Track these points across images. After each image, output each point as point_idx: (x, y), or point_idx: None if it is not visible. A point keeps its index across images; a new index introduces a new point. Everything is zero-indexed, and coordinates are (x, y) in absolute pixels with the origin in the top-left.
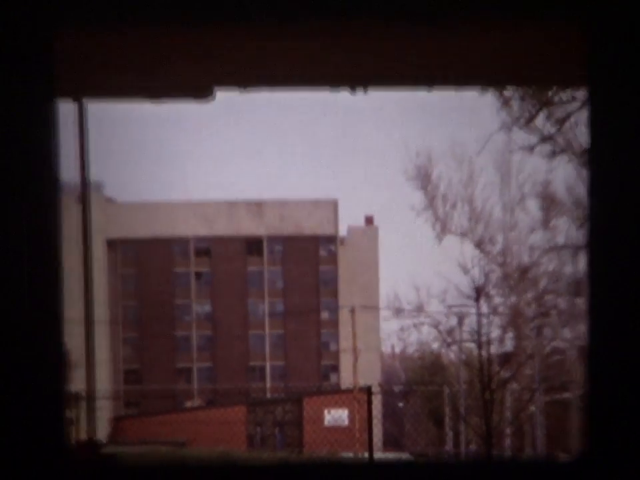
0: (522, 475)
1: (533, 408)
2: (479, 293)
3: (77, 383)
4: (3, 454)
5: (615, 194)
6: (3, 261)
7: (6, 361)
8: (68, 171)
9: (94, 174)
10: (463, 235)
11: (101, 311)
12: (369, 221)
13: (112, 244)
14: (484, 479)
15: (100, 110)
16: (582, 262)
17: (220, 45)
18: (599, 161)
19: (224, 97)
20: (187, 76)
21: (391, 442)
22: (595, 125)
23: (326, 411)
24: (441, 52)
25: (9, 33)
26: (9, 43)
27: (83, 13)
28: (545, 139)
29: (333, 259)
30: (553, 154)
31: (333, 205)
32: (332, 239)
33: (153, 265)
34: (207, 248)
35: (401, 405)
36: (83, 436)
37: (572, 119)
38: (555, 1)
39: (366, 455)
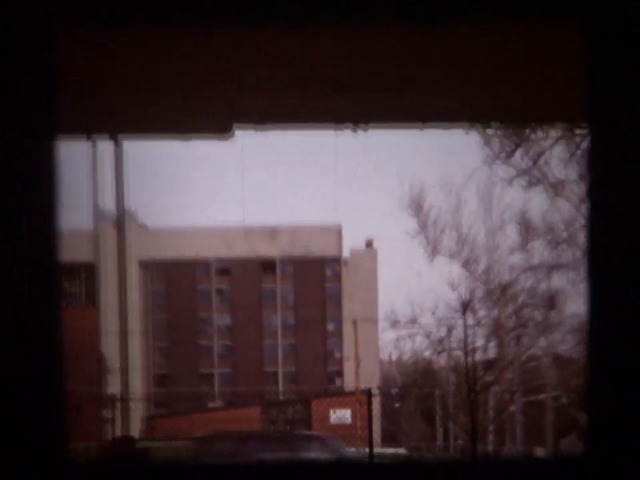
0: (522, 474)
1: (512, 407)
2: (465, 307)
3: (113, 387)
4: (3, 454)
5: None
6: (3, 261)
7: (6, 361)
8: (106, 200)
9: (129, 203)
10: (451, 256)
11: (135, 323)
12: (369, 244)
13: (144, 264)
14: (484, 478)
15: (135, 148)
16: (555, 279)
17: (238, 86)
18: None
19: (242, 135)
20: (209, 115)
21: (388, 438)
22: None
23: (331, 411)
24: (435, 89)
25: (8, 33)
26: (8, 43)
27: (82, 12)
28: (522, 172)
29: (337, 277)
30: (529, 185)
31: (337, 231)
32: (336, 260)
33: (180, 283)
34: (226, 268)
35: (397, 405)
36: (120, 433)
37: (546, 155)
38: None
39: (366, 449)
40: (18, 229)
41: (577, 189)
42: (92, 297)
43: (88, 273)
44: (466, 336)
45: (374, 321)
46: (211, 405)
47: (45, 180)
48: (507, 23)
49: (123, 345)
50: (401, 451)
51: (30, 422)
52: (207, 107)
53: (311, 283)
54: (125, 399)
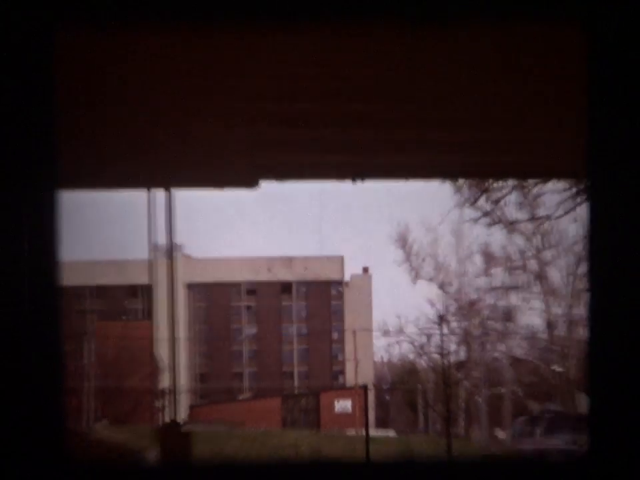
0: (522, 474)
1: (478, 398)
2: (441, 319)
3: (164, 382)
4: (3, 454)
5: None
6: (3, 262)
7: (6, 362)
8: (160, 236)
9: (177, 238)
10: (430, 280)
11: (181, 332)
12: (365, 270)
13: (189, 287)
14: (483, 478)
15: (181, 193)
16: (511, 298)
17: (263, 144)
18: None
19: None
20: (241, 173)
21: (380, 423)
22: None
23: (336, 402)
24: (425, 152)
25: (8, 34)
26: (8, 43)
27: (83, 13)
28: (485, 213)
29: (340, 296)
30: (491, 224)
31: (340, 260)
32: (339, 283)
33: (217, 301)
34: (253, 289)
35: (387, 397)
36: (169, 419)
37: (504, 200)
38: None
39: (363, 432)
40: (17, 233)
41: (528, 227)
42: (149, 312)
43: (145, 293)
44: (442, 342)
45: (369, 331)
46: (240, 397)
47: (43, 168)
48: (492, 92)
49: (172, 349)
50: (391, 432)
51: (30, 421)
52: (239, 168)
53: (319, 301)
54: (173, 391)
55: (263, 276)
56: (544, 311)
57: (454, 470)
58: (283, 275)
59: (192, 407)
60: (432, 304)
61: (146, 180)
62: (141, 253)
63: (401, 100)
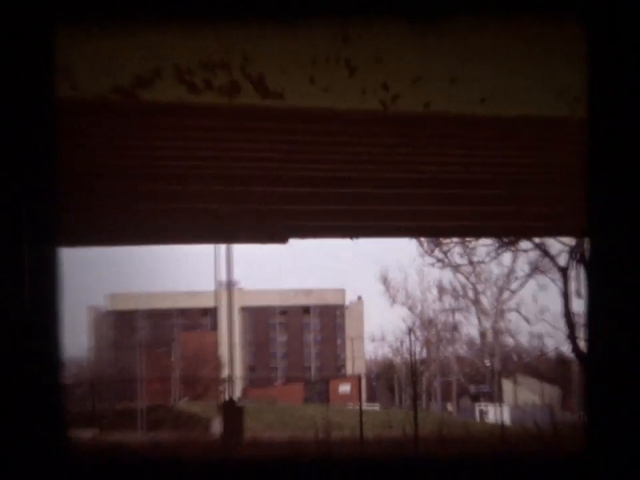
0: (522, 474)
1: (435, 384)
2: (410, 331)
3: (225, 372)
4: (3, 454)
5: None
6: (4, 263)
7: (6, 362)
8: (222, 274)
9: (234, 275)
10: (402, 304)
11: (237, 339)
12: (359, 298)
13: (242, 309)
14: (484, 477)
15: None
16: (456, 316)
17: (293, 201)
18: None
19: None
20: (272, 232)
21: (369, 400)
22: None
23: (340, 386)
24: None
25: (7, 32)
26: (8, 41)
27: (80, 11)
28: (438, 260)
29: (342, 316)
30: (443, 267)
31: (343, 291)
32: (342, 307)
33: (259, 319)
34: (285, 310)
35: (374, 383)
36: (228, 397)
37: (451, 251)
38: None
39: (357, 406)
40: (18, 235)
41: (467, 269)
42: (215, 326)
43: (213, 313)
44: (410, 346)
45: (362, 339)
46: (275, 383)
47: (42, 156)
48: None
49: (230, 350)
50: (376, 407)
51: (30, 420)
52: (274, 230)
53: (328, 319)
54: (230, 379)
55: (291, 302)
56: (478, 325)
57: (454, 469)
58: (304, 301)
59: (243, 389)
60: (404, 320)
61: (206, 237)
62: (208, 285)
63: (409, 170)
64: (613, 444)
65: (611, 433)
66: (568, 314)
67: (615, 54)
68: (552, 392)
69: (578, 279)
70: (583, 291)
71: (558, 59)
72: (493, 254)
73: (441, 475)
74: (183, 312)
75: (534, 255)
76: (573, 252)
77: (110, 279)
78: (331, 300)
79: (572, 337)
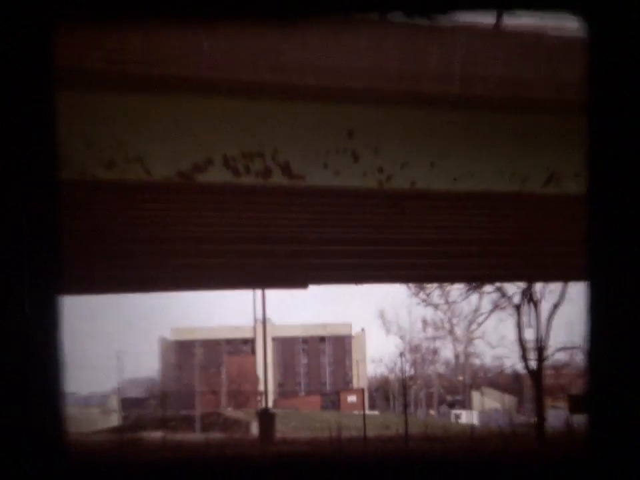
0: (522, 474)
1: (420, 394)
2: (401, 354)
3: (261, 387)
4: (4, 454)
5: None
6: (4, 262)
7: (6, 363)
8: (257, 312)
9: (265, 312)
10: (395, 334)
11: (270, 361)
12: (362, 329)
13: (273, 339)
14: (485, 478)
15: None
16: (437, 343)
17: (315, 265)
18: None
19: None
20: (296, 282)
21: (370, 408)
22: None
23: (348, 397)
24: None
25: (8, 27)
26: (8, 37)
27: (82, 6)
28: (422, 300)
29: (350, 343)
30: (426, 305)
31: (350, 325)
32: (349, 337)
33: (287, 346)
34: (306, 340)
35: (374, 395)
36: (264, 407)
37: (432, 293)
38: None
39: (361, 412)
40: (18, 232)
41: (444, 307)
42: (252, 351)
43: (252, 342)
44: (402, 366)
45: (364, 361)
46: (299, 395)
47: (42, 157)
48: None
49: (265, 370)
50: (376, 412)
51: (30, 422)
52: (297, 279)
53: (339, 346)
54: (265, 392)
55: (310, 333)
56: (452, 349)
57: (454, 469)
58: (321, 332)
59: (274, 400)
60: (396, 346)
61: (245, 284)
62: (248, 320)
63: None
64: (614, 445)
65: (611, 434)
66: (521, 340)
67: (614, 71)
68: (509, 400)
69: (528, 314)
70: (532, 323)
71: (511, 149)
72: (463, 295)
73: (443, 476)
74: (228, 341)
75: (495, 295)
76: (524, 293)
77: (174, 315)
78: (341, 331)
79: (524, 358)
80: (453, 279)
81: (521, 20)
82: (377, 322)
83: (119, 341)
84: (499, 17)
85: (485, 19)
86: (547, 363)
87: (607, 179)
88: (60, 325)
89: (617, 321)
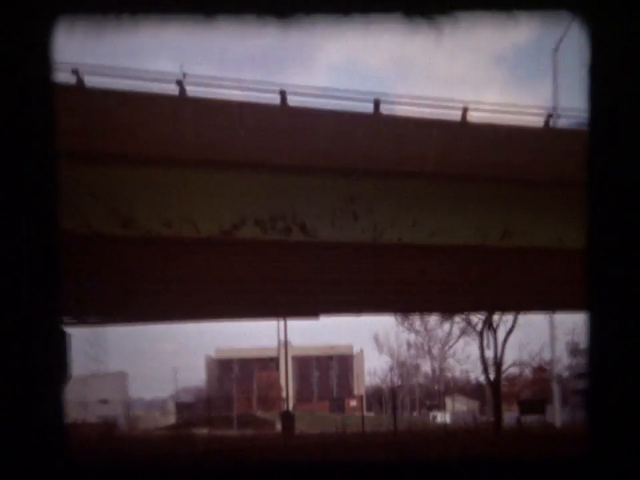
0: (522, 474)
1: (406, 401)
2: (391, 369)
3: (284, 394)
4: (4, 454)
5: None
6: (4, 260)
7: (7, 362)
8: (280, 335)
9: (288, 336)
10: (386, 353)
11: (290, 376)
12: (361, 350)
13: (293, 357)
14: (484, 478)
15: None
16: (419, 361)
17: (328, 303)
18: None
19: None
20: (307, 309)
21: (368, 410)
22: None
23: (351, 402)
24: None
25: (8, 23)
26: (8, 33)
27: (82, 2)
28: (407, 327)
29: (352, 360)
30: (410, 331)
31: (351, 346)
32: (351, 356)
33: (303, 363)
34: (318, 358)
35: (371, 400)
36: (285, 409)
37: (414, 322)
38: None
39: (361, 414)
40: (18, 229)
41: (424, 333)
42: (277, 367)
43: (276, 360)
44: (391, 378)
45: (363, 373)
46: (313, 400)
47: (43, 154)
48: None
49: (286, 382)
50: (372, 414)
51: (30, 422)
52: (309, 309)
53: (344, 364)
54: (287, 398)
55: (322, 352)
56: (430, 365)
57: (454, 469)
58: (329, 352)
59: (293, 405)
60: (387, 363)
61: (267, 314)
62: (272, 343)
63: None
64: (614, 445)
65: (611, 434)
66: (482, 358)
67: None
68: (473, 404)
69: (488, 337)
70: (491, 344)
71: (475, 211)
72: (438, 324)
73: (441, 476)
74: (258, 359)
75: (463, 324)
76: (485, 322)
77: (217, 339)
78: (344, 351)
79: (485, 371)
80: (430, 311)
81: (482, 115)
82: (371, 344)
83: (174, 359)
84: (464, 114)
85: (453, 115)
86: (503, 375)
87: (607, 192)
88: (62, 327)
89: (616, 326)
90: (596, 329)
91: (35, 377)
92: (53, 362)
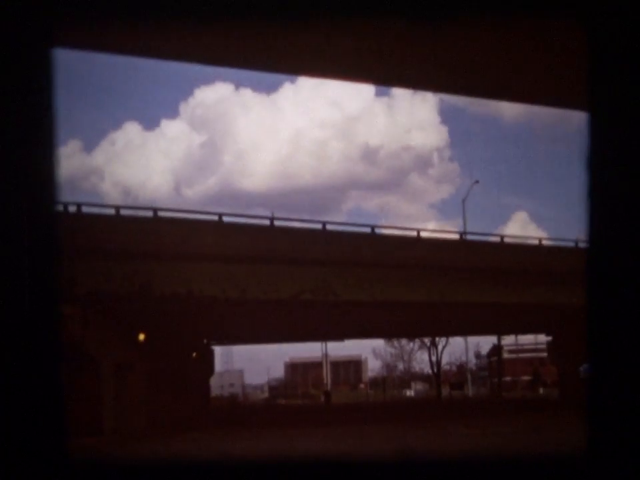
0: (522, 474)
1: (390, 384)
2: (382, 367)
3: (325, 381)
4: (4, 454)
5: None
6: (4, 259)
7: (7, 362)
8: (323, 350)
9: (328, 350)
10: (379, 359)
11: (328, 372)
12: (366, 358)
13: (330, 362)
14: (484, 477)
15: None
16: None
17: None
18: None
19: None
20: (334, 335)
21: (370, 389)
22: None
23: (361, 385)
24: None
25: (8, 24)
26: (8, 33)
27: (82, 6)
28: (393, 345)
29: (361, 365)
30: (393, 348)
31: (361, 355)
32: (360, 361)
33: (335, 366)
34: (332, 363)
35: (370, 384)
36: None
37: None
38: None
39: (368, 392)
40: (18, 227)
41: (400, 350)
42: (322, 367)
43: (320, 364)
44: (382, 373)
45: (367, 370)
46: (340, 385)
47: (42, 149)
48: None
49: (326, 375)
50: (372, 392)
51: (31, 421)
52: (335, 335)
53: (357, 365)
54: (326, 384)
55: (344, 359)
56: (403, 365)
57: (454, 469)
58: (349, 359)
59: (330, 387)
60: (380, 365)
61: (315, 338)
62: (318, 354)
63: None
64: (614, 446)
65: (611, 434)
66: (430, 361)
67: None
68: (425, 386)
69: (432, 349)
70: (434, 353)
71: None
72: (407, 343)
73: (441, 476)
74: (312, 363)
75: (420, 342)
76: (431, 341)
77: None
78: (357, 358)
79: (432, 368)
80: (402, 336)
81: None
82: (371, 354)
83: (267, 363)
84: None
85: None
86: (442, 370)
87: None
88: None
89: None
90: (596, 329)
91: (35, 377)
92: (53, 362)
